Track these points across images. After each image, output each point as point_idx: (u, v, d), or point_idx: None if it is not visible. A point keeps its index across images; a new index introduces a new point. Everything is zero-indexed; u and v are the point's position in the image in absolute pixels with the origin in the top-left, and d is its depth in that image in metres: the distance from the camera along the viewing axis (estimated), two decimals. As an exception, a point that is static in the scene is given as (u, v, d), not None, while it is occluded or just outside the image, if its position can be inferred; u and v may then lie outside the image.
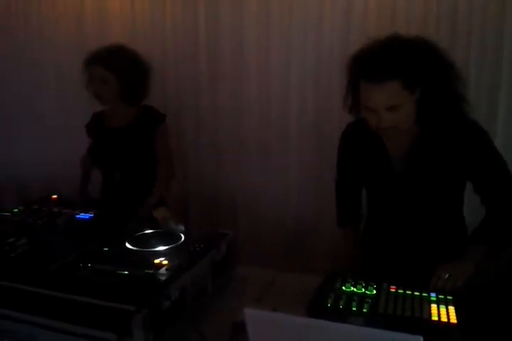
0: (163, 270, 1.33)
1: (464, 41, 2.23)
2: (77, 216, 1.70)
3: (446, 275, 1.43)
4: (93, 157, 2.33)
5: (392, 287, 1.42)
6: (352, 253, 1.81)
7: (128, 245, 1.48)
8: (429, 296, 1.36)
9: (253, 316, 0.94)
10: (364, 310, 1.30)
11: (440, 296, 1.36)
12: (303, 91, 2.51)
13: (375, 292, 1.39)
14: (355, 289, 1.41)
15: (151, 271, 1.31)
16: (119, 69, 2.12)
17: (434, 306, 1.31)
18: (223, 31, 2.60)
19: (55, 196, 1.90)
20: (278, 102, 2.57)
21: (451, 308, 1.30)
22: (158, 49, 2.74)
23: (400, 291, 1.40)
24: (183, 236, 1.55)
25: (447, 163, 1.55)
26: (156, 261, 1.39)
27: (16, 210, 1.76)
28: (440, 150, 1.55)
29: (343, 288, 1.41)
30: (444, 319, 1.25)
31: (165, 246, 1.47)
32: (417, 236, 1.64)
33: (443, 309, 1.30)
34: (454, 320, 1.25)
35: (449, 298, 1.36)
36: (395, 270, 1.57)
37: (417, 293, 1.38)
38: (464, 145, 1.52)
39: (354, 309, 1.31)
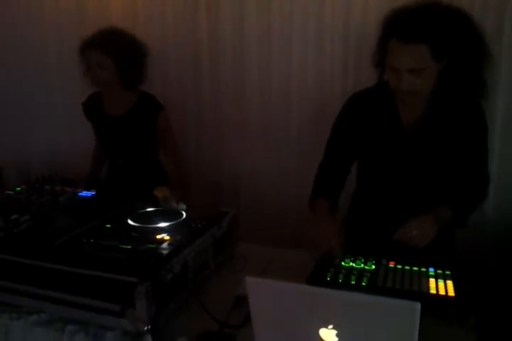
0: (165, 245, 1.35)
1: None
2: (80, 194, 1.72)
3: (414, 233, 1.43)
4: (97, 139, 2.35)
5: (391, 262, 1.44)
6: (328, 227, 1.55)
7: (130, 222, 1.50)
8: (428, 271, 1.39)
9: (254, 284, 0.96)
10: (363, 284, 1.33)
11: (438, 271, 1.38)
12: (304, 74, 2.50)
13: (374, 267, 1.42)
14: (354, 264, 1.43)
15: (154, 246, 1.33)
16: (116, 52, 2.09)
17: (432, 280, 1.34)
18: (224, 12, 2.59)
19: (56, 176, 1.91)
20: (279, 85, 2.57)
21: (449, 282, 1.33)
22: (157, 28, 2.72)
23: (399, 267, 1.42)
24: (184, 213, 1.57)
25: (446, 143, 1.57)
26: (158, 236, 1.41)
27: (19, 189, 1.77)
28: (445, 127, 1.56)
29: (342, 263, 1.44)
30: (442, 292, 1.28)
31: (167, 222, 1.49)
32: (408, 213, 1.56)
33: (441, 283, 1.32)
34: (451, 293, 1.27)
35: (448, 272, 1.38)
36: (381, 246, 1.52)
37: (415, 268, 1.40)
38: (465, 129, 1.54)
39: (353, 283, 1.33)
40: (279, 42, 2.51)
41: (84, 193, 1.72)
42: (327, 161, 1.75)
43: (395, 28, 1.44)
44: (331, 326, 0.90)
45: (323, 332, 0.92)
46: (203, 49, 2.67)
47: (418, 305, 0.82)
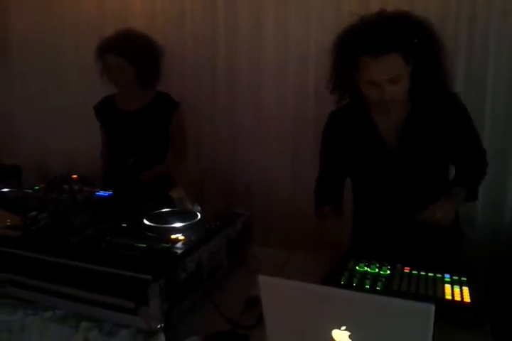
0: (179, 244, 1.35)
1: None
2: (97, 193, 1.74)
3: (439, 215, 1.51)
4: (107, 141, 2.37)
5: (406, 268, 1.43)
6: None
7: (146, 221, 1.51)
8: (443, 277, 1.37)
9: (267, 283, 0.95)
10: (377, 288, 1.31)
11: (454, 277, 1.37)
12: (322, 77, 2.50)
13: (388, 272, 1.40)
14: (368, 269, 1.42)
15: (168, 245, 1.34)
16: (134, 55, 2.15)
17: (447, 286, 1.32)
18: (242, 14, 2.61)
19: (75, 176, 1.94)
20: (296, 88, 2.58)
21: (465, 288, 1.31)
22: (175, 29, 2.76)
23: (414, 272, 1.40)
24: (199, 214, 1.58)
25: (434, 136, 1.59)
26: (173, 236, 1.41)
27: (37, 188, 1.80)
28: (428, 123, 1.59)
29: (357, 267, 1.43)
30: (457, 298, 1.26)
31: (182, 223, 1.50)
32: (408, 214, 1.60)
33: (457, 289, 1.30)
34: (467, 299, 1.26)
35: (463, 278, 1.36)
36: (386, 252, 1.55)
37: (431, 274, 1.39)
38: (445, 116, 1.57)
39: (367, 287, 1.32)
40: (296, 45, 2.52)
41: (101, 193, 1.74)
42: (322, 176, 1.82)
43: (362, 45, 1.46)
44: (344, 327, 0.90)
45: (336, 333, 0.91)
46: (220, 51, 2.69)
47: (432, 307, 0.81)
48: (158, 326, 1.17)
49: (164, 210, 1.63)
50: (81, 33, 2.95)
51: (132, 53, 2.15)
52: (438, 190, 1.62)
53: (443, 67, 1.55)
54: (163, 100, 2.29)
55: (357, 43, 1.48)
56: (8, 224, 1.47)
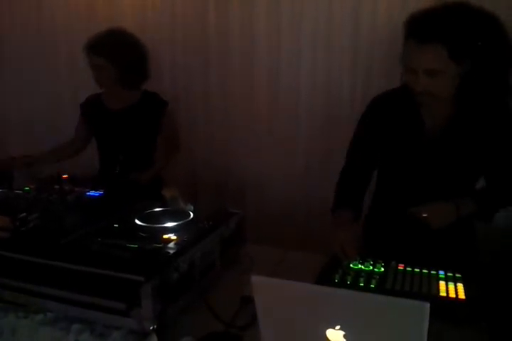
0: (171, 244, 1.34)
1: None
2: (88, 193, 1.72)
3: (424, 215, 1.45)
4: (97, 140, 2.36)
5: (400, 265, 1.42)
6: (345, 235, 1.53)
7: (137, 221, 1.49)
8: (438, 274, 1.37)
9: (260, 283, 0.94)
10: (371, 286, 1.31)
11: (449, 274, 1.36)
12: (314, 76, 2.50)
13: (382, 269, 1.40)
14: (362, 266, 1.41)
15: (160, 245, 1.32)
16: (114, 55, 2.14)
17: (442, 283, 1.32)
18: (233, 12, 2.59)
19: (65, 175, 1.92)
20: (288, 87, 2.57)
21: (460, 285, 1.30)
22: (167, 27, 2.74)
23: (409, 269, 1.40)
24: (192, 213, 1.56)
25: (473, 144, 1.52)
26: (165, 236, 1.40)
27: (27, 188, 1.78)
28: (472, 132, 1.51)
29: (351, 265, 1.42)
30: (452, 295, 1.26)
31: (174, 222, 1.48)
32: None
33: (451, 286, 1.30)
34: (462, 296, 1.25)
35: (458, 275, 1.36)
36: (399, 251, 1.52)
37: (425, 271, 1.38)
38: (493, 133, 1.50)
39: (361, 285, 1.32)
40: (289, 44, 2.52)
41: (92, 192, 1.72)
42: (349, 167, 1.74)
43: (412, 28, 1.42)
44: (338, 326, 0.89)
45: (330, 333, 0.90)
46: (211, 49, 2.68)
47: (427, 305, 0.80)
48: (151, 327, 1.15)
49: (156, 210, 1.61)
50: (73, 32, 2.92)
51: (114, 53, 2.14)
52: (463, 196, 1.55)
53: (505, 78, 1.44)
54: (152, 100, 2.29)
55: (409, 25, 1.43)
56: (-3, 225, 1.45)
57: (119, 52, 2.15)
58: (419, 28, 1.39)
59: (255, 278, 0.94)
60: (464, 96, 1.48)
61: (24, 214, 1.50)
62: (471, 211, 1.51)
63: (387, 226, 1.70)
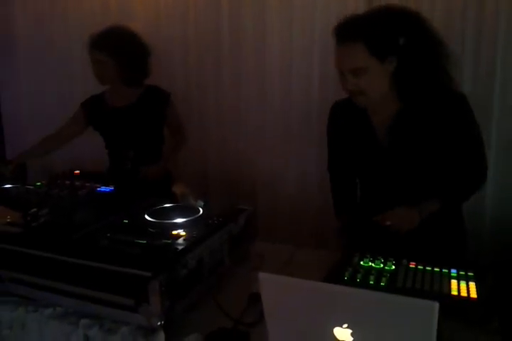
0: (180, 240, 1.33)
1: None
2: (98, 189, 1.72)
3: (388, 223, 1.47)
4: (104, 138, 2.37)
5: (411, 263, 1.40)
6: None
7: (147, 217, 1.49)
8: (450, 272, 1.34)
9: (268, 281, 0.93)
10: (382, 284, 1.29)
11: (461, 272, 1.34)
12: (325, 71, 2.48)
13: (393, 267, 1.38)
14: (373, 264, 1.40)
15: (169, 241, 1.32)
16: (115, 52, 2.15)
17: (454, 281, 1.29)
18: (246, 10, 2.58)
19: (77, 171, 1.93)
20: (300, 83, 2.56)
21: (472, 284, 1.28)
22: (179, 27, 2.74)
23: (420, 267, 1.38)
24: (201, 210, 1.56)
25: (425, 137, 1.52)
26: (174, 232, 1.40)
27: (39, 184, 1.79)
28: (422, 123, 1.52)
29: (361, 263, 1.40)
30: (463, 294, 1.23)
31: (183, 218, 1.48)
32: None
33: (463, 284, 1.28)
34: (474, 295, 1.23)
35: (470, 274, 1.33)
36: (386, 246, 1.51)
37: (437, 269, 1.36)
38: (447, 117, 1.50)
39: (371, 282, 1.30)
40: (301, 41, 2.50)
41: (102, 188, 1.73)
42: (331, 175, 1.82)
43: (335, 31, 1.46)
44: (345, 325, 0.88)
45: (337, 331, 0.89)
46: (224, 48, 2.67)
47: (436, 305, 0.79)
48: (159, 323, 1.15)
49: (166, 206, 1.62)
50: (85, 32, 2.93)
51: (114, 49, 2.15)
52: (432, 190, 1.55)
53: (437, 65, 1.46)
54: (154, 93, 2.29)
55: (334, 29, 1.47)
56: (9, 220, 1.46)
57: (120, 47, 2.15)
58: (340, 30, 1.44)
59: (262, 275, 0.93)
60: (403, 92, 1.51)
61: (35, 209, 1.51)
62: (437, 208, 1.51)
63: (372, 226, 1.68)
